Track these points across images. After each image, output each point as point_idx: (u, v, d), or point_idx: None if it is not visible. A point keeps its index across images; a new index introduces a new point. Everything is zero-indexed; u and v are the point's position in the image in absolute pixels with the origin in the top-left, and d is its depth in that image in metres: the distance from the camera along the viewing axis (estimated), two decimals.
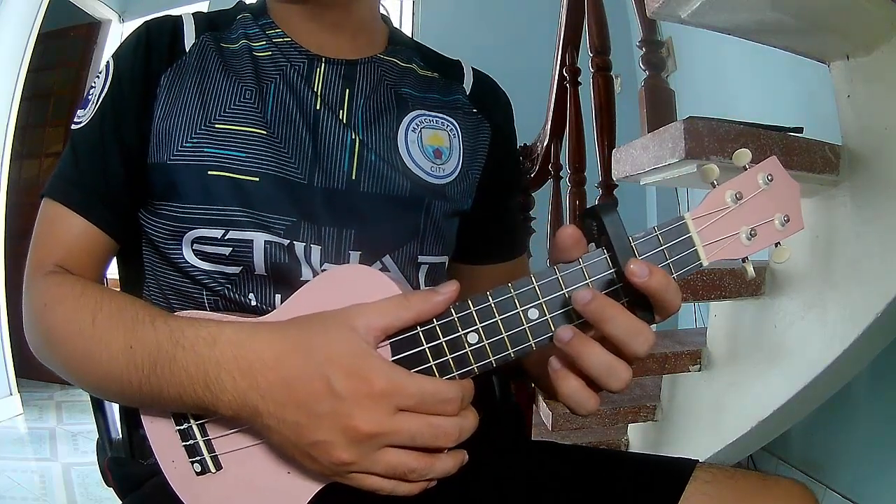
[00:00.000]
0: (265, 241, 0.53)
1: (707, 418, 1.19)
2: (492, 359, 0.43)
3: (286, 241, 0.54)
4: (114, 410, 0.67)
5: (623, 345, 0.40)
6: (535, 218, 1.91)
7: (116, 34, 3.62)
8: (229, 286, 0.54)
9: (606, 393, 0.43)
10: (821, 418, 1.38)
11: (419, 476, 0.42)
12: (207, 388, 0.42)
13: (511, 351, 0.43)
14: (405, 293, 0.43)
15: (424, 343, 0.43)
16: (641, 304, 0.42)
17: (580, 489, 0.55)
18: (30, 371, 3.04)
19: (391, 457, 0.41)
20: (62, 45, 3.54)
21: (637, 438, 1.42)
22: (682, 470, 0.54)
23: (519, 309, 0.43)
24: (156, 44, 0.58)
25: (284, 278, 0.54)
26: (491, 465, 0.58)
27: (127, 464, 0.62)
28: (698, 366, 1.21)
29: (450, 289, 0.43)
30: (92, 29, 3.57)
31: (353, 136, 0.58)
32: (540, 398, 1.30)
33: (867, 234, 0.88)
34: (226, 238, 0.53)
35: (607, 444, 1.43)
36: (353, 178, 0.57)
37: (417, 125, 0.62)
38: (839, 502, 1.40)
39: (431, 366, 0.43)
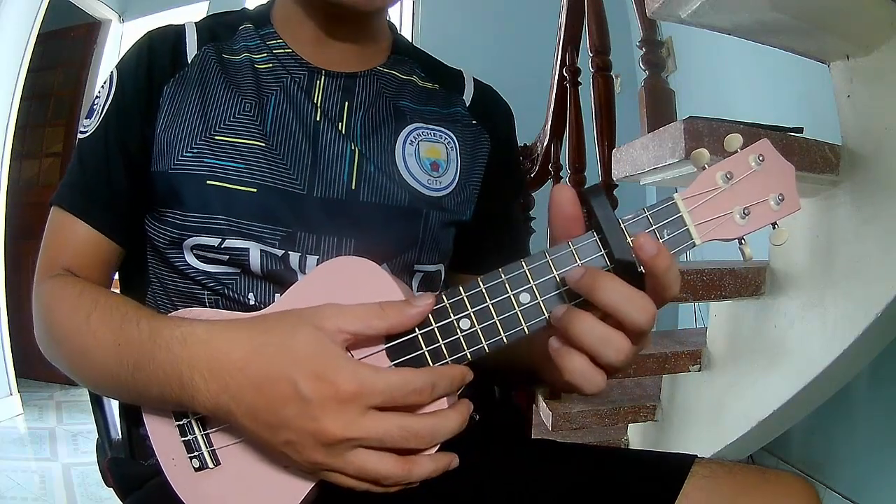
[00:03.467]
0: (261, 250, 0.54)
1: (707, 418, 1.19)
2: (484, 344, 0.43)
3: (280, 252, 0.55)
4: (113, 411, 0.68)
5: (622, 314, 0.38)
6: (535, 218, 1.91)
7: (116, 34, 3.61)
8: (230, 285, 0.55)
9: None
10: (821, 418, 1.38)
11: (394, 482, 0.42)
12: (183, 389, 0.43)
13: (504, 336, 0.42)
14: (383, 303, 0.43)
15: (417, 329, 0.43)
16: (636, 285, 0.40)
17: (579, 486, 0.55)
18: (30, 371, 3.04)
19: (362, 459, 0.41)
20: (62, 45, 3.54)
21: (637, 438, 1.42)
22: (680, 465, 0.54)
23: (510, 293, 0.42)
24: (158, 55, 0.59)
25: (281, 282, 0.55)
26: (490, 464, 0.58)
27: (127, 464, 0.62)
28: (698, 366, 1.21)
29: (425, 302, 0.43)
30: (92, 29, 3.57)
31: (353, 147, 0.59)
32: (540, 398, 1.30)
33: (867, 234, 0.88)
34: (222, 246, 0.54)
35: (607, 444, 1.42)
36: (353, 188, 0.58)
37: (415, 138, 0.62)
38: (839, 502, 1.40)
39: (424, 352, 0.43)
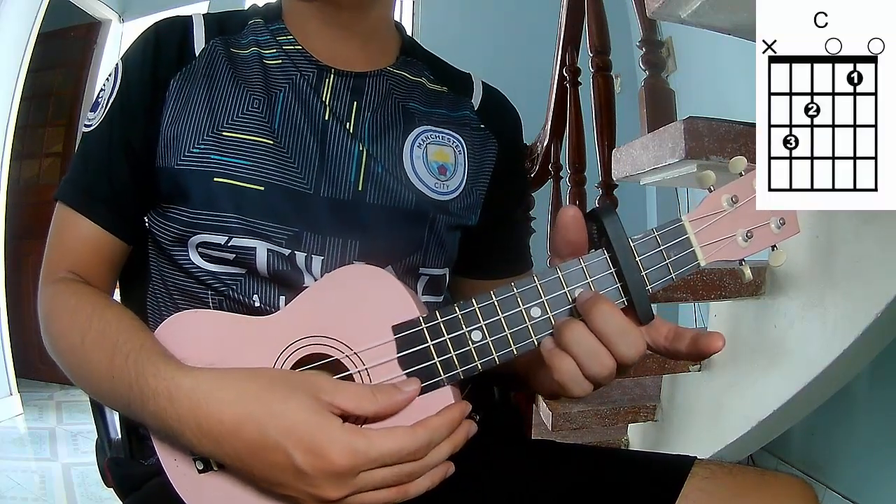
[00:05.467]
0: (268, 249, 0.54)
1: (707, 418, 1.19)
2: (495, 355, 0.44)
3: (287, 251, 0.54)
4: (113, 411, 0.68)
5: (611, 345, 0.41)
6: (535, 218, 1.91)
7: (116, 34, 3.62)
8: (234, 286, 0.55)
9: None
10: (821, 418, 1.38)
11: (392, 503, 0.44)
12: (175, 437, 0.44)
13: (514, 348, 0.44)
14: (375, 387, 0.44)
15: (429, 340, 0.44)
16: (641, 307, 0.43)
17: (579, 487, 0.55)
18: (30, 371, 3.04)
19: (361, 500, 0.43)
20: (62, 45, 3.54)
21: (637, 438, 1.42)
22: (680, 467, 0.54)
23: (522, 307, 0.43)
24: (165, 47, 0.58)
25: (287, 283, 0.55)
26: (490, 464, 0.58)
27: (127, 464, 0.62)
28: (698, 366, 1.20)
29: (412, 388, 0.44)
30: (92, 29, 3.57)
31: (361, 148, 0.58)
32: (540, 398, 1.30)
33: (867, 234, 0.88)
34: (229, 245, 0.54)
35: (607, 444, 1.42)
36: (360, 189, 0.57)
37: (423, 141, 0.62)
38: (839, 502, 1.40)
39: (435, 362, 0.44)
